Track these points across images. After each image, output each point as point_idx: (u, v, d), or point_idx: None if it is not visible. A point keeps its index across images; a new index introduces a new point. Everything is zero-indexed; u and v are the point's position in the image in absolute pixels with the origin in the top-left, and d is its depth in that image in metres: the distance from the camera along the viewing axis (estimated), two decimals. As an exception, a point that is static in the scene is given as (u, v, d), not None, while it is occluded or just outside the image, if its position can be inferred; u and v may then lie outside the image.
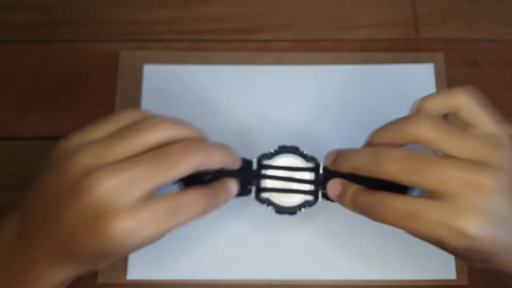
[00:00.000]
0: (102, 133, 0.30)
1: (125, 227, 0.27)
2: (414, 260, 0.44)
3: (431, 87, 0.48)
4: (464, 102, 0.30)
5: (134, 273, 0.43)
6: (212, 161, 0.31)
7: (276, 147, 0.38)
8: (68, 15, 0.52)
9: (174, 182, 0.32)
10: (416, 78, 0.49)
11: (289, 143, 0.39)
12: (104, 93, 0.49)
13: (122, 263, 0.43)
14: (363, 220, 0.44)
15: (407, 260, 0.43)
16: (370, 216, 0.32)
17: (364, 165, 0.31)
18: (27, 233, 0.31)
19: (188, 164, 0.29)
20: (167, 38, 0.51)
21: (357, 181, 0.34)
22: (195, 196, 0.31)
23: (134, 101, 0.48)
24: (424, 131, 0.29)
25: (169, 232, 0.30)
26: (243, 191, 0.36)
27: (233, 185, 0.34)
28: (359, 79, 0.49)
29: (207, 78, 0.49)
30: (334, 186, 0.35)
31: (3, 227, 0.32)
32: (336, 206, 0.44)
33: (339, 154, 0.34)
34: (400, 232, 0.44)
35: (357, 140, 0.47)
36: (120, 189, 0.27)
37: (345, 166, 0.33)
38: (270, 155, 0.38)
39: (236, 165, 0.35)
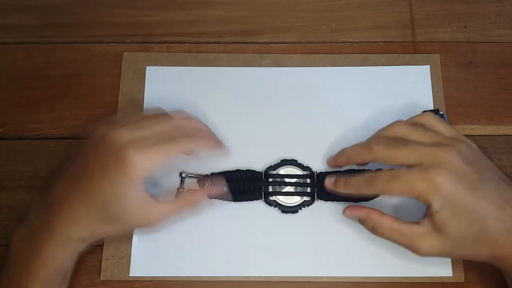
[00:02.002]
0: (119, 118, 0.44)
1: (138, 156, 0.38)
2: (410, 257, 0.44)
3: (427, 88, 0.49)
4: (427, 119, 0.42)
5: (136, 270, 0.44)
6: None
7: (279, 160, 0.46)
8: (72, 17, 0.52)
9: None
10: (412, 80, 0.50)
11: (288, 143, 0.47)
12: (107, 94, 0.49)
13: (125, 260, 0.44)
14: (360, 218, 0.45)
15: (404, 257, 0.44)
16: (363, 189, 0.40)
17: (358, 153, 0.42)
18: (49, 202, 0.40)
19: (172, 122, 0.42)
20: (169, 40, 0.51)
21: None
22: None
23: (136, 102, 0.49)
24: (404, 129, 0.41)
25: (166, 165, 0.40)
26: (255, 196, 0.45)
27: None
28: (357, 81, 0.50)
29: (207, 79, 0.50)
30: (329, 178, 0.43)
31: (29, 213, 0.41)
32: (332, 206, 0.45)
33: (338, 153, 0.44)
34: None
35: (354, 140, 0.48)
36: (132, 134, 0.39)
37: (343, 158, 0.43)
38: (275, 167, 0.46)
39: (220, 146, 0.45)
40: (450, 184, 0.37)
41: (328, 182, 0.43)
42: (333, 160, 0.45)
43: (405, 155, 0.39)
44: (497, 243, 0.38)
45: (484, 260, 0.39)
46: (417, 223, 0.39)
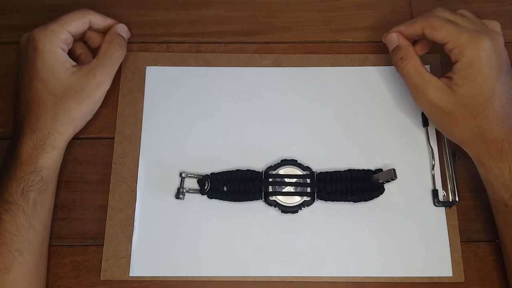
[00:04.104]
0: None
1: (41, 30, 0.44)
2: (410, 258, 0.44)
3: (427, 88, 0.49)
4: (465, 12, 0.45)
5: (136, 270, 0.44)
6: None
7: (279, 160, 0.46)
8: (72, 18, 0.52)
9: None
10: (412, 80, 0.50)
11: (287, 143, 0.47)
12: (107, 93, 0.49)
13: (125, 260, 0.44)
14: (360, 219, 0.45)
15: (404, 257, 0.44)
16: (429, 30, 0.43)
17: (414, 21, 0.45)
18: (20, 121, 0.43)
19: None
20: (169, 40, 0.52)
21: (336, 185, 0.45)
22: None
23: (136, 101, 0.49)
24: (448, 14, 0.44)
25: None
26: (255, 196, 0.45)
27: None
28: (357, 81, 0.50)
29: (207, 79, 0.50)
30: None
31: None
32: (332, 206, 0.45)
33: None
34: (397, 230, 0.46)
35: (354, 140, 0.48)
36: (42, 26, 0.45)
37: (398, 28, 0.46)
38: (275, 167, 0.46)
39: (103, 21, 0.48)
40: (489, 52, 0.40)
41: (385, 34, 0.46)
42: (385, 33, 0.46)
43: (459, 26, 0.42)
44: (489, 124, 0.40)
45: (463, 137, 0.42)
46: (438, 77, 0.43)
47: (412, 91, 0.44)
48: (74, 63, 0.45)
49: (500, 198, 0.41)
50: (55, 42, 0.44)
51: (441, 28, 0.42)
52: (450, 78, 0.42)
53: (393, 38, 0.45)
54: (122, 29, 0.48)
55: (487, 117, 0.40)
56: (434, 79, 0.42)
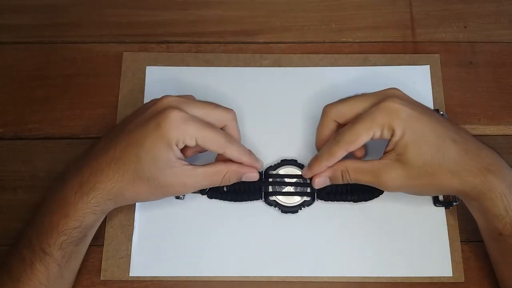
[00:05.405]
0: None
1: (179, 117, 0.38)
2: (410, 258, 0.44)
3: (427, 89, 0.49)
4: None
5: (136, 270, 0.44)
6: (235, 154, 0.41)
7: (279, 160, 0.46)
8: (72, 17, 0.52)
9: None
10: (412, 80, 0.50)
11: (287, 143, 0.48)
12: (107, 94, 0.49)
13: (125, 260, 0.44)
14: (360, 219, 0.45)
15: (404, 257, 0.44)
16: (335, 152, 0.40)
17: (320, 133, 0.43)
18: (86, 155, 0.40)
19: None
20: (169, 40, 0.51)
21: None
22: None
23: (136, 102, 0.49)
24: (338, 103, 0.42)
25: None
26: (255, 196, 0.45)
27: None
28: (357, 81, 0.50)
29: (208, 80, 0.50)
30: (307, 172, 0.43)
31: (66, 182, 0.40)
32: (332, 206, 0.45)
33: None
34: (397, 230, 0.45)
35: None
36: (185, 104, 0.39)
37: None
38: (275, 167, 0.46)
39: (249, 169, 0.42)
40: (406, 108, 0.38)
41: (306, 173, 0.43)
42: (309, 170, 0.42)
43: (356, 103, 0.41)
44: (458, 165, 0.38)
45: (450, 191, 0.40)
46: (379, 158, 0.40)
47: (375, 186, 0.41)
48: (181, 158, 0.39)
49: (494, 228, 0.39)
50: (179, 142, 0.38)
51: (357, 130, 0.39)
52: (393, 150, 0.39)
53: (324, 178, 0.42)
54: (250, 176, 0.42)
55: (450, 163, 0.38)
56: (377, 164, 0.39)
